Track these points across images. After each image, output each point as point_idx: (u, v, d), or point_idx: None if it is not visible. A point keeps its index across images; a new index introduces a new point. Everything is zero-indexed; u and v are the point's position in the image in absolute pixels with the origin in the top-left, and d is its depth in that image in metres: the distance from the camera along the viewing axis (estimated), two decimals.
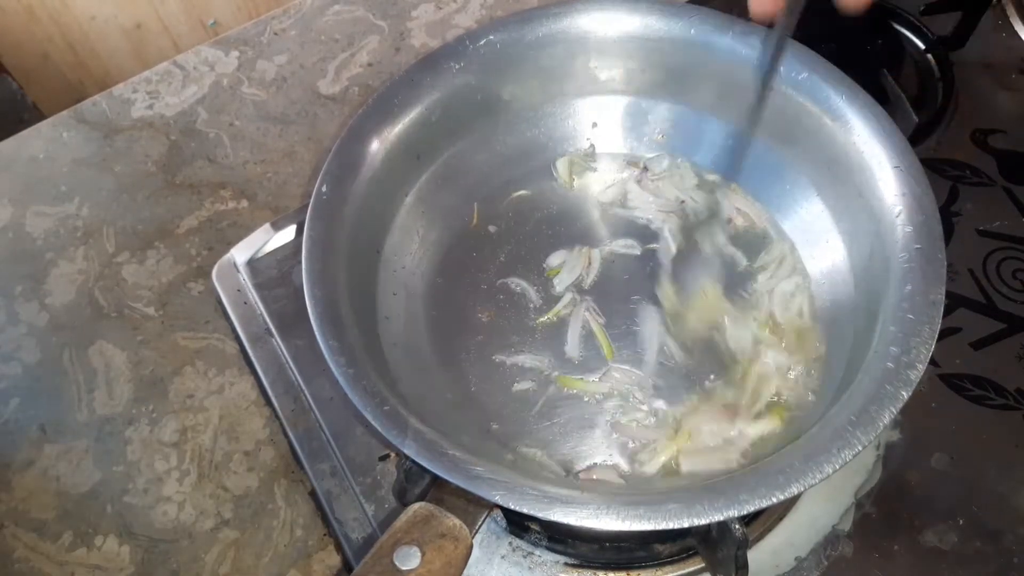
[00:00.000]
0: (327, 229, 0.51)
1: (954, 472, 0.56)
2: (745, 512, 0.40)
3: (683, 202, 0.62)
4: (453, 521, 0.44)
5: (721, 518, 0.40)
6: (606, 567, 0.53)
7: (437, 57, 0.58)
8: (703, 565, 0.52)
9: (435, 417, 0.46)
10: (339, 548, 0.56)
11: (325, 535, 0.57)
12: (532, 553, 0.53)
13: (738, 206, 0.61)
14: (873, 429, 0.42)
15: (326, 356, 0.45)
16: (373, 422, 0.43)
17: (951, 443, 0.57)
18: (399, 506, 0.55)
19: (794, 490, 0.40)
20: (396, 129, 0.56)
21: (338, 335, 0.47)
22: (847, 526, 0.54)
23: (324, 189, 0.52)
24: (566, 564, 0.53)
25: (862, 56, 0.73)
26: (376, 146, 0.55)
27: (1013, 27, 0.78)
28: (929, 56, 0.74)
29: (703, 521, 0.40)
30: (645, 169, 0.64)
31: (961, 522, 0.54)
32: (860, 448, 0.41)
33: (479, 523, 0.45)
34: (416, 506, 0.44)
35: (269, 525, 0.57)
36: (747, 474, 0.42)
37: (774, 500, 0.40)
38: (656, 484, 0.51)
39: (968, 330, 0.61)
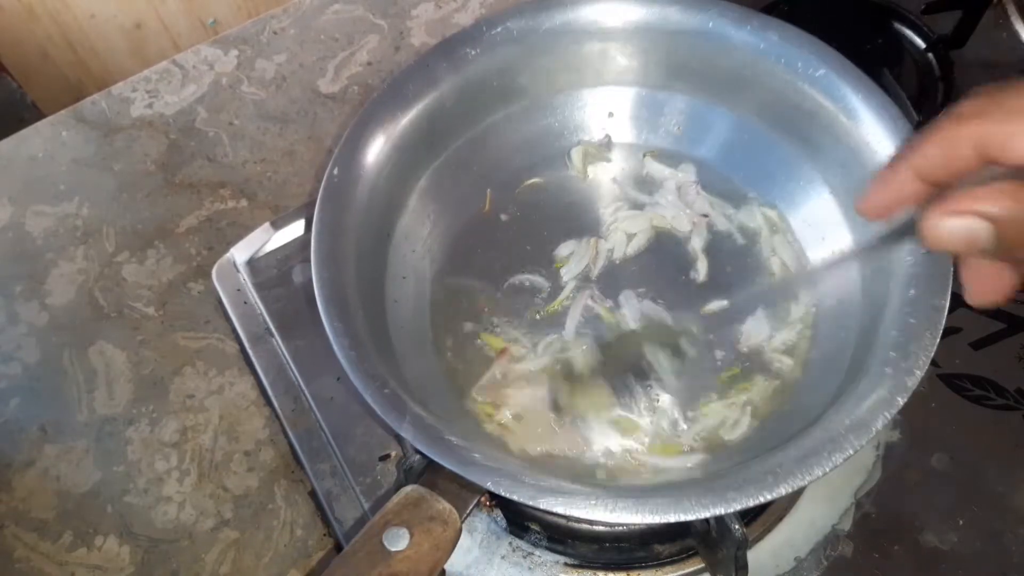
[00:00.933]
0: (337, 211, 0.51)
1: (954, 472, 0.56)
2: (732, 509, 0.40)
3: (707, 216, 0.62)
4: (443, 505, 0.44)
5: (708, 515, 0.40)
6: (606, 567, 0.53)
7: (453, 43, 0.58)
8: (703, 565, 0.52)
9: (437, 403, 0.46)
10: (339, 548, 0.56)
11: (325, 535, 0.57)
12: (532, 553, 0.53)
13: (784, 258, 0.60)
14: (866, 434, 0.42)
15: (330, 336, 0.45)
16: (373, 404, 0.43)
17: (951, 443, 0.57)
18: None
19: (782, 490, 0.40)
20: (410, 114, 0.56)
21: (343, 317, 0.47)
22: (847, 526, 0.54)
23: (336, 172, 0.52)
24: (566, 564, 0.53)
25: (862, 55, 0.73)
26: (389, 131, 0.55)
27: (1013, 27, 0.78)
28: (930, 55, 0.74)
29: (689, 517, 0.40)
30: (697, 182, 0.63)
31: (961, 522, 0.54)
32: (851, 452, 0.41)
33: (469, 508, 0.45)
34: (408, 488, 0.45)
35: (269, 525, 0.57)
36: (737, 472, 0.42)
37: (762, 499, 0.40)
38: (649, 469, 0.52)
39: (968, 330, 0.61)
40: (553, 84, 0.63)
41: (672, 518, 0.40)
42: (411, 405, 0.44)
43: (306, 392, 0.60)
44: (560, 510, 0.40)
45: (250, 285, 0.64)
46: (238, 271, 0.65)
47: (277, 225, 0.67)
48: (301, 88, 0.78)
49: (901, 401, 0.43)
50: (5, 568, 0.56)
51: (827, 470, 0.41)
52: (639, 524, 0.41)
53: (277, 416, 0.61)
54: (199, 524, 0.57)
